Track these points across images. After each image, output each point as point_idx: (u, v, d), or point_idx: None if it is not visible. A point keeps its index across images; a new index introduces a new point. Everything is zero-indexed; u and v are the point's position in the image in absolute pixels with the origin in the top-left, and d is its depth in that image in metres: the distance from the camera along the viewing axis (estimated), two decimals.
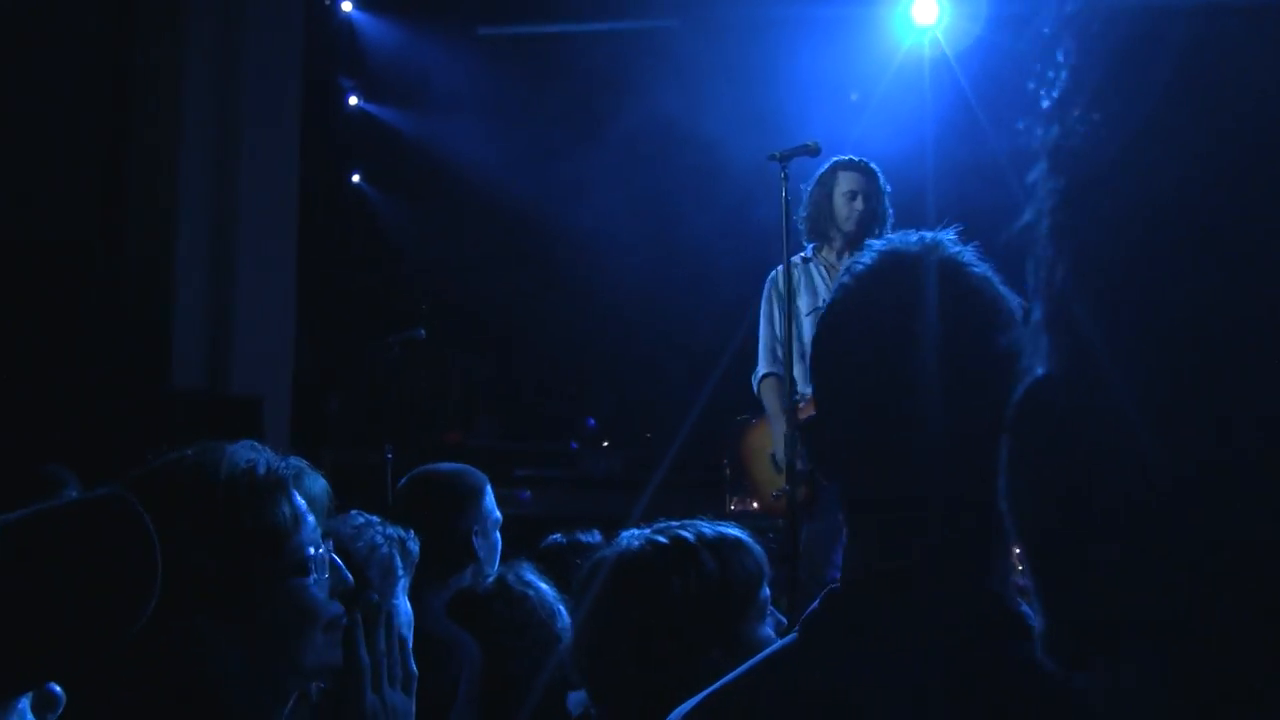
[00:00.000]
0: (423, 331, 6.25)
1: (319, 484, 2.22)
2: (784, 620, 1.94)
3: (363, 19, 9.91)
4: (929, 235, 1.22)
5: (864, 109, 7.89)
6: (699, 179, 9.35)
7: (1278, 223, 0.41)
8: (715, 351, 9.88)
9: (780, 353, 5.16)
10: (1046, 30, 0.49)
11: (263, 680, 1.47)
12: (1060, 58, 0.49)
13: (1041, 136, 0.49)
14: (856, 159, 5.22)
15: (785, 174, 4.83)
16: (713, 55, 9.27)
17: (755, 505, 8.12)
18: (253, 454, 1.51)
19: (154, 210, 6.97)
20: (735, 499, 8.20)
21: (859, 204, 5.11)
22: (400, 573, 2.05)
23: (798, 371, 5.09)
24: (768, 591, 1.89)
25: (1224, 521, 0.42)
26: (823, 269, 5.26)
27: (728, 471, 8.37)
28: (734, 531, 1.89)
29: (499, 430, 10.37)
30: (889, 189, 5.22)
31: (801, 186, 5.23)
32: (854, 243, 5.13)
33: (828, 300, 1.26)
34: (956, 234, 1.22)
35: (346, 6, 9.82)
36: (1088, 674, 0.49)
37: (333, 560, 1.56)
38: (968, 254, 1.20)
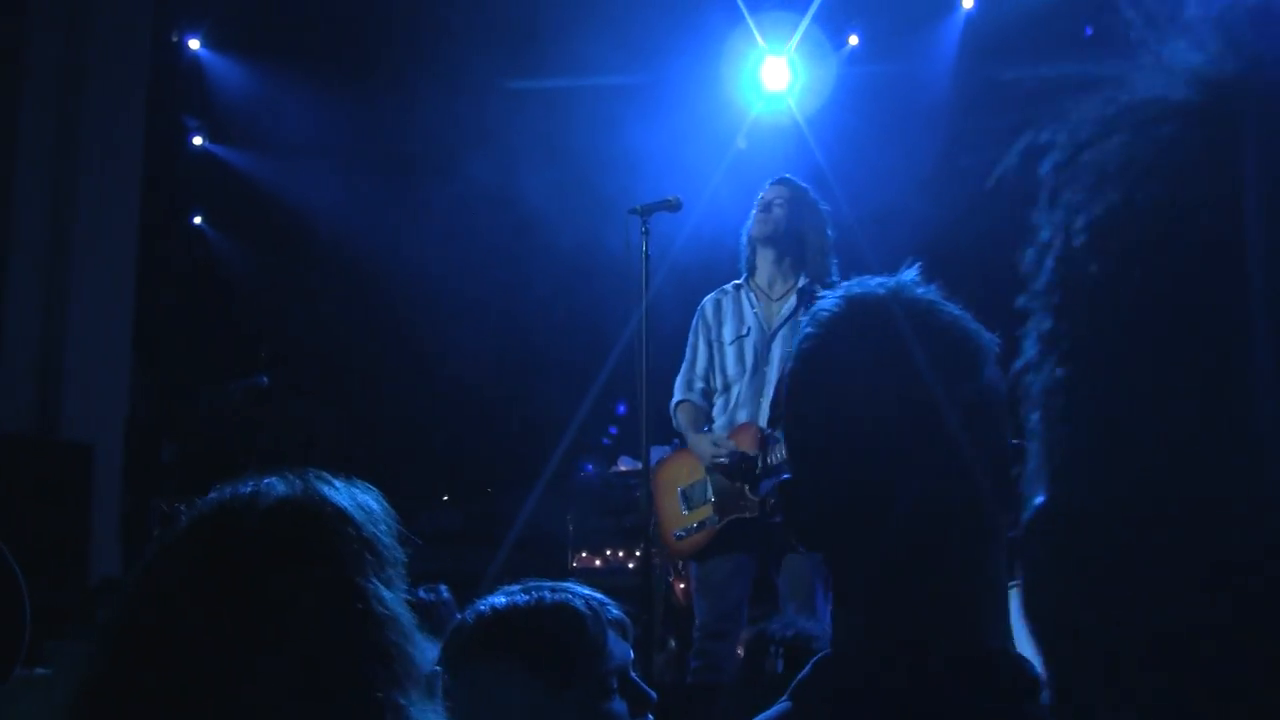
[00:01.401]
0: (265, 379, 6.11)
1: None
2: (651, 694, 1.84)
3: (210, 58, 9.70)
4: (890, 279, 1.16)
5: (714, 173, 8.04)
6: (545, 233, 9.39)
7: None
8: (559, 408, 9.91)
9: (698, 385, 5.03)
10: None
11: None
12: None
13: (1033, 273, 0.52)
14: (786, 175, 5.13)
15: (646, 228, 4.86)
16: (563, 113, 9.34)
17: (597, 563, 8.13)
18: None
19: None
20: (577, 555, 8.21)
21: (761, 210, 4.98)
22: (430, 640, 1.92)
23: (718, 405, 5.02)
24: (616, 661, 1.80)
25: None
26: (752, 296, 5.08)
27: (570, 527, 8.39)
28: (564, 597, 1.79)
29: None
30: (825, 208, 5.08)
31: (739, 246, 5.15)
32: (784, 258, 5.01)
33: (793, 352, 1.19)
34: (919, 273, 1.17)
35: (194, 44, 9.60)
36: None
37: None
38: (934, 293, 1.15)
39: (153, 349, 8.15)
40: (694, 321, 5.15)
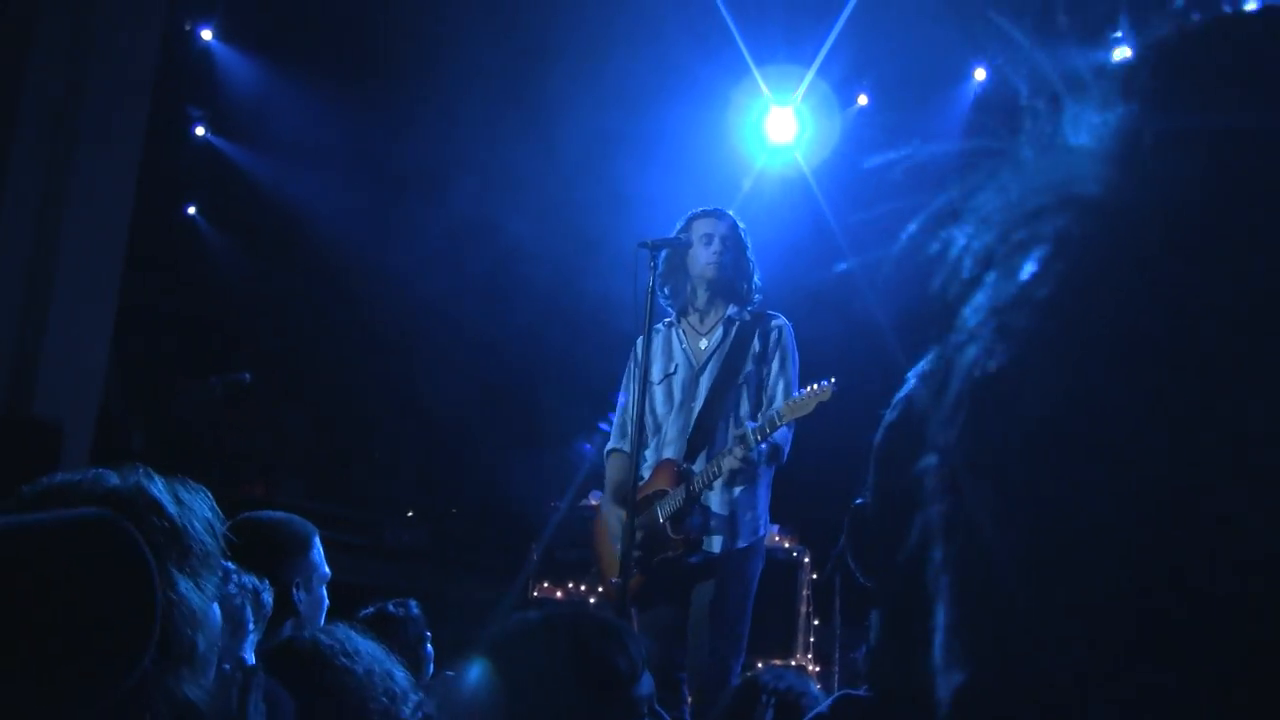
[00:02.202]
0: (248, 375, 6.03)
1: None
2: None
3: (221, 50, 9.66)
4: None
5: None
6: (533, 266, 9.38)
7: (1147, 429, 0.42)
8: (528, 434, 9.88)
9: (630, 428, 4.89)
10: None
11: None
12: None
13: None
14: (711, 208, 5.04)
15: (654, 262, 4.80)
16: (561, 155, 9.31)
17: (559, 594, 8.05)
18: None
19: None
20: (539, 585, 8.12)
21: (716, 246, 4.88)
22: (250, 626, 1.91)
23: (650, 446, 4.95)
24: (647, 689, 1.84)
25: None
26: (682, 334, 5.03)
27: (534, 556, 8.30)
28: (615, 621, 1.85)
29: (304, 490, 10.02)
30: (748, 242, 5.00)
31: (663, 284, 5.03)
32: (718, 294, 4.95)
33: (904, 395, 1.19)
34: None
35: (206, 35, 9.57)
36: None
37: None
38: None
39: (133, 334, 8.06)
40: (628, 363, 5.09)
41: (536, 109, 9.26)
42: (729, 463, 4.62)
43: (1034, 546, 0.45)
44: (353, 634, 2.83)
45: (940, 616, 0.48)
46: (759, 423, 4.64)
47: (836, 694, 1.13)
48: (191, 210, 10.53)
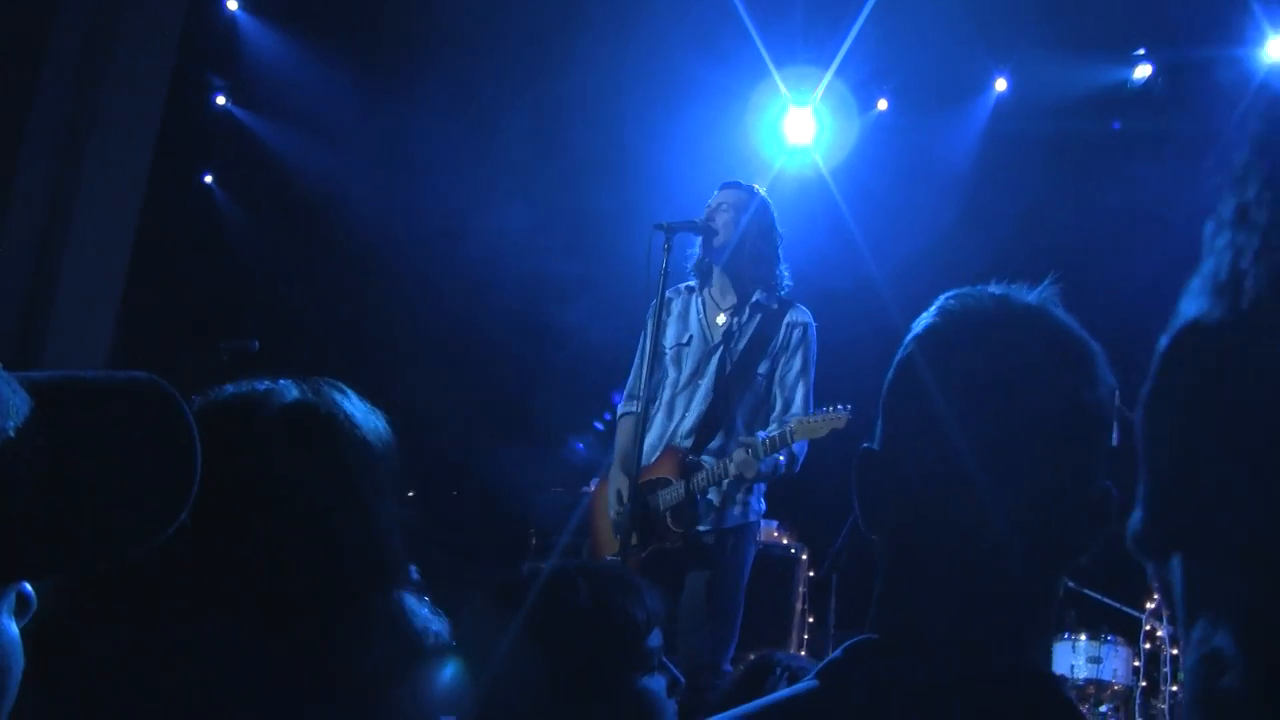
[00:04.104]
0: (256, 343, 6.03)
1: None
2: (680, 678, 1.90)
3: (246, 20, 9.66)
4: (1002, 287, 1.17)
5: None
6: (545, 252, 9.38)
7: None
8: (533, 419, 9.89)
9: (641, 393, 4.78)
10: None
11: None
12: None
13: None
14: (729, 180, 4.95)
15: (668, 245, 4.68)
16: (579, 147, 9.29)
17: None
18: None
19: None
20: (535, 569, 8.14)
21: (725, 214, 4.78)
22: None
23: (656, 414, 4.84)
24: (657, 641, 1.86)
25: None
26: (702, 304, 4.93)
27: (533, 541, 8.31)
28: (629, 572, 1.87)
29: None
30: (772, 222, 4.90)
31: (689, 253, 4.99)
32: (734, 266, 4.84)
33: (916, 334, 1.19)
34: (1050, 282, 1.17)
35: (232, 4, 9.57)
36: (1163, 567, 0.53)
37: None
38: (1052, 300, 1.16)
39: (142, 300, 8.08)
40: (646, 322, 4.96)
41: (553, 97, 9.26)
42: (738, 468, 4.52)
43: None
44: None
45: None
46: (770, 433, 4.56)
47: (848, 641, 1.15)
48: (208, 179, 10.54)
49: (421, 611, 1.41)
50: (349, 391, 1.46)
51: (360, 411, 1.44)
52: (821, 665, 1.14)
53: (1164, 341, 0.53)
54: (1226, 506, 0.48)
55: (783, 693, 1.14)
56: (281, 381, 1.46)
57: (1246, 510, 0.47)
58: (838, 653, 1.14)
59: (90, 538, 0.86)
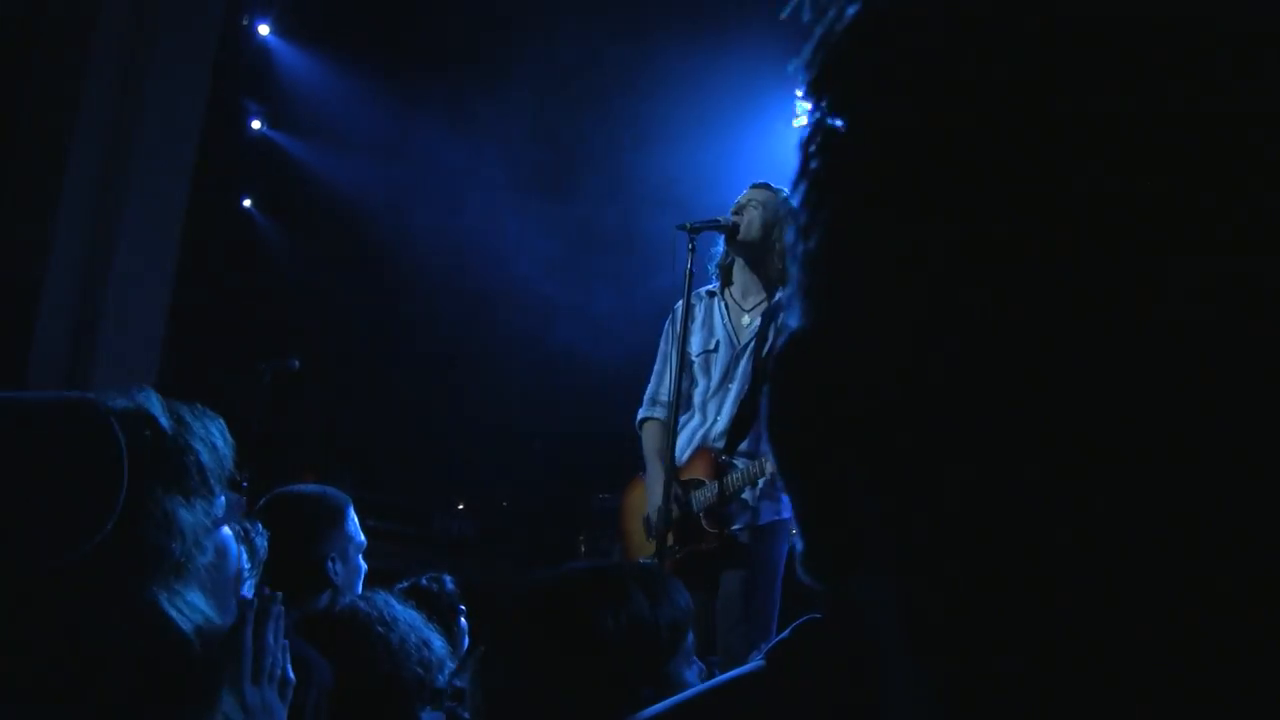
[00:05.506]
0: (297, 362, 6.10)
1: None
2: (704, 667, 1.92)
3: (278, 45, 9.79)
4: None
5: None
6: (574, 266, 9.41)
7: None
8: (579, 428, 9.91)
9: (663, 398, 4.69)
10: None
11: None
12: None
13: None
14: (770, 182, 4.82)
15: (693, 245, 4.61)
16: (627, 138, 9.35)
17: None
18: None
19: (38, 196, 6.73)
20: None
21: (757, 211, 4.65)
22: (246, 570, 1.92)
23: (683, 420, 4.71)
24: (692, 636, 1.87)
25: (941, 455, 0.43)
26: (724, 306, 4.83)
27: (583, 549, 8.32)
28: (662, 571, 1.88)
29: (354, 477, 10.14)
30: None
31: (714, 251, 4.91)
32: (753, 264, 4.75)
33: None
34: None
35: (264, 30, 9.70)
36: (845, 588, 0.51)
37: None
38: None
39: (187, 322, 8.19)
40: (665, 326, 4.87)
41: (583, 102, 9.30)
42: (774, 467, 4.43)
43: None
44: (392, 601, 2.88)
45: None
46: None
47: (796, 621, 1.13)
48: (247, 203, 10.68)
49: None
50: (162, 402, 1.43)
51: (167, 417, 1.40)
52: (769, 645, 1.12)
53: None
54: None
55: (728, 674, 1.12)
56: (111, 392, 1.44)
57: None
58: (785, 633, 1.12)
59: (12, 547, 0.88)
